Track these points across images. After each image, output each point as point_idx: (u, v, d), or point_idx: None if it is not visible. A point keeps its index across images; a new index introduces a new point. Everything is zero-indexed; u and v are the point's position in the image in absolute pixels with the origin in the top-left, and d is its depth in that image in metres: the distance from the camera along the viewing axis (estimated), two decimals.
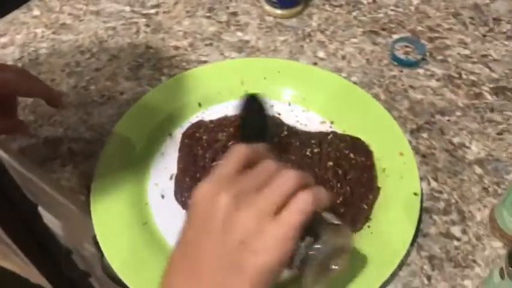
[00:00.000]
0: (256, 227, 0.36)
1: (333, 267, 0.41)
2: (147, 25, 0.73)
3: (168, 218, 0.53)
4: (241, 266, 0.36)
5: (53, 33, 0.73)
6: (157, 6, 0.76)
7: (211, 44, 0.70)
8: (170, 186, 0.55)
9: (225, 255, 0.37)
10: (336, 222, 0.41)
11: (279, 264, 0.37)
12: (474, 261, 0.50)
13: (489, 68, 0.66)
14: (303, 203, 0.38)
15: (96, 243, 0.73)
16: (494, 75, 0.65)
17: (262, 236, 0.36)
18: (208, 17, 0.74)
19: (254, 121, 0.52)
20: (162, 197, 0.54)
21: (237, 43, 0.70)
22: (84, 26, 0.73)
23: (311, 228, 0.39)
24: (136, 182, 0.55)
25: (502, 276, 0.41)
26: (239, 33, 0.72)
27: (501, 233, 0.51)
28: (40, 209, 0.94)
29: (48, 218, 0.93)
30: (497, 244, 0.51)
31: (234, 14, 0.74)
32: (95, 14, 0.75)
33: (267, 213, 0.37)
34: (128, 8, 0.76)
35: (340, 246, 0.41)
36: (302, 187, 0.39)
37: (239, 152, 0.41)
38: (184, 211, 0.53)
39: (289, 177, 0.39)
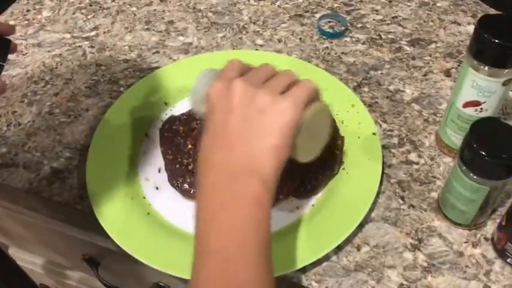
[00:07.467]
0: (272, 99, 0.44)
1: (319, 138, 0.50)
2: (92, 46, 0.77)
3: (167, 205, 0.57)
4: (265, 127, 0.43)
5: None
6: (95, 28, 0.79)
7: (157, 52, 0.75)
8: (161, 178, 0.59)
9: (250, 124, 0.43)
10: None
11: (294, 122, 0.43)
12: (434, 176, 0.60)
13: (401, 26, 0.78)
14: (308, 83, 0.46)
15: (88, 261, 0.75)
16: (407, 31, 0.77)
17: (278, 103, 0.44)
18: (148, 29, 0.79)
19: None
20: (157, 188, 0.59)
21: (182, 46, 0.76)
22: (29, 58, 0.75)
23: None
24: (129, 181, 0.59)
25: (459, 166, 0.50)
26: (181, 38, 0.77)
27: (448, 149, 0.61)
28: (11, 252, 0.92)
29: (22, 258, 0.92)
30: (448, 159, 0.61)
31: (171, 22, 0.80)
32: (37, 46, 0.77)
33: (278, 91, 0.45)
34: (68, 35, 0.78)
35: (322, 118, 0.49)
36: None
37: (235, 61, 0.48)
38: (181, 195, 0.58)
39: (287, 72, 0.47)
